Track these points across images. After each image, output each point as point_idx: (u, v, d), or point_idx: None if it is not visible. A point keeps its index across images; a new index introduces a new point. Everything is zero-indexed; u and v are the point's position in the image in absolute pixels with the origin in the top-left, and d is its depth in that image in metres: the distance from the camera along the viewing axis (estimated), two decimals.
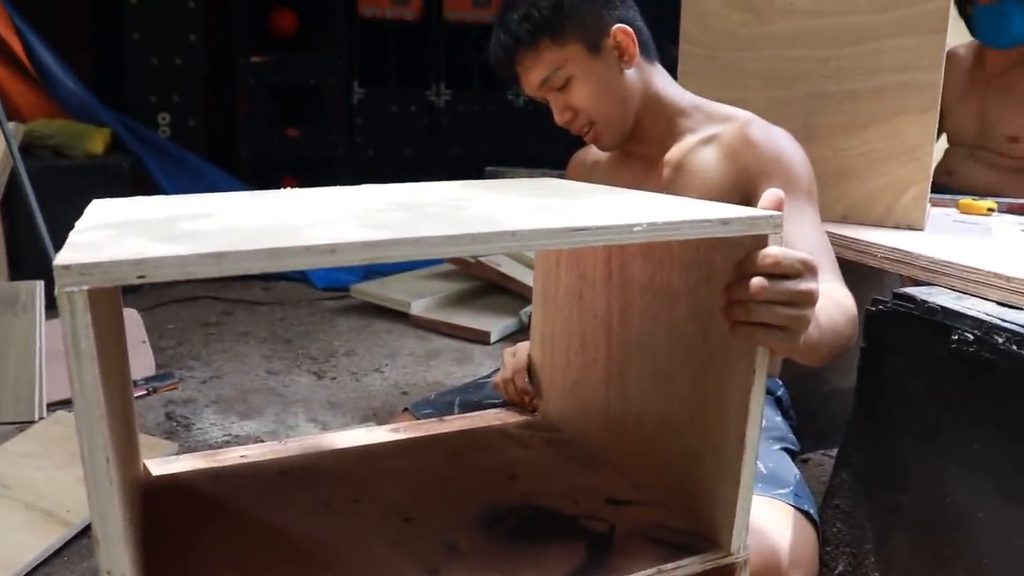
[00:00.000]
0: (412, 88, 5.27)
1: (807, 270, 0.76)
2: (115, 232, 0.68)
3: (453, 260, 3.76)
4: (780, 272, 0.74)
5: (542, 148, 5.46)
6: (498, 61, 1.29)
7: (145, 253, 0.58)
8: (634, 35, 1.27)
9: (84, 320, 0.57)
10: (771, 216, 0.76)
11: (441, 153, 5.36)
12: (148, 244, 0.62)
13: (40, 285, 2.55)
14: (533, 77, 1.26)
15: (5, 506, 1.80)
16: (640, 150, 1.33)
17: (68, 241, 0.65)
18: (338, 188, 1.01)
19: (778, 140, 1.25)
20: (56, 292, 0.56)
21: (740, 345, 0.80)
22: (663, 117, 1.30)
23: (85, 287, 0.57)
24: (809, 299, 0.76)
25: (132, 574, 0.63)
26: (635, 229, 0.67)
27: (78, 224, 0.75)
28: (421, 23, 5.19)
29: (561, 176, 1.47)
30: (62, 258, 0.57)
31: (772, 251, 0.74)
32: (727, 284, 0.76)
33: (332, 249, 0.59)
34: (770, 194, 0.77)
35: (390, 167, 5.10)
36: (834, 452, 2.09)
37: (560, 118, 1.27)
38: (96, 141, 3.72)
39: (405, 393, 2.73)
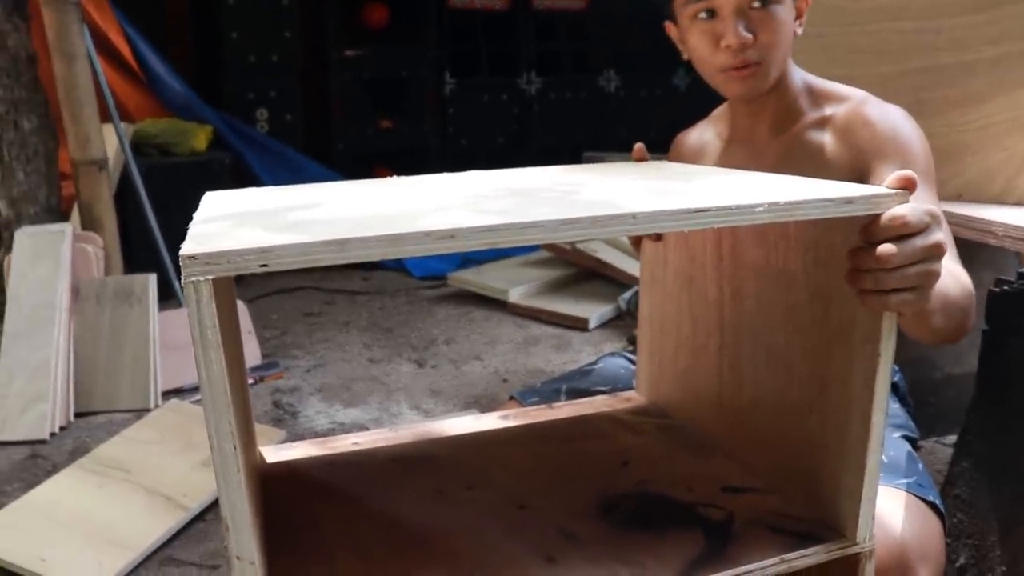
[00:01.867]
0: (503, 77, 5.28)
1: (934, 220, 0.74)
2: (233, 223, 0.69)
3: (549, 247, 3.76)
4: (910, 231, 0.72)
5: (633, 133, 5.39)
6: None
7: (268, 242, 0.58)
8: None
9: (210, 309, 0.58)
10: (895, 194, 0.72)
11: (533, 141, 5.36)
12: (268, 234, 0.62)
13: (152, 278, 2.65)
14: None
15: (128, 490, 1.87)
16: (752, 129, 1.29)
17: (189, 233, 0.66)
18: (440, 176, 1.01)
19: (895, 119, 1.19)
20: (183, 281, 0.58)
21: (865, 325, 0.77)
22: (786, 95, 1.25)
23: (210, 276, 0.57)
24: (939, 251, 0.74)
25: (260, 559, 0.64)
26: (757, 209, 0.65)
27: (196, 216, 0.77)
28: (510, 12, 5.19)
29: (663, 159, 1.44)
30: (187, 248, 0.58)
31: (899, 210, 0.71)
32: (851, 250, 0.73)
33: (452, 235, 0.58)
34: (900, 175, 0.74)
35: (483, 156, 5.12)
36: (948, 440, 2.01)
37: (738, 37, 1.16)
38: (199, 138, 3.84)
39: (505, 380, 2.74)
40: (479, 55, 5.22)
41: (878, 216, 0.72)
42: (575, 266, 3.67)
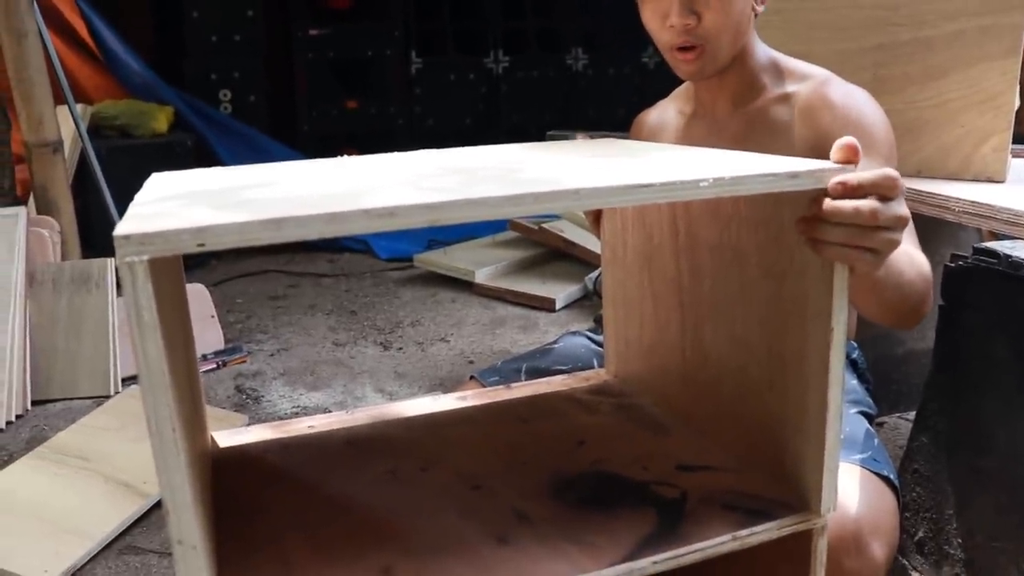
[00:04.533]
0: (470, 56, 5.25)
1: (902, 192, 0.75)
2: (174, 203, 0.68)
3: (516, 227, 3.75)
4: (893, 195, 0.73)
5: (602, 112, 5.40)
6: None
7: (204, 221, 0.57)
8: None
9: (146, 290, 0.57)
10: (842, 169, 0.72)
11: (501, 120, 5.34)
12: (206, 213, 0.61)
13: (111, 262, 2.61)
14: None
15: (85, 478, 1.85)
16: (713, 104, 1.28)
17: (128, 213, 0.65)
18: (395, 154, 1.00)
19: (857, 101, 1.19)
20: (117, 262, 0.56)
21: (818, 301, 0.77)
22: (747, 71, 1.24)
23: (145, 257, 0.56)
24: (903, 223, 0.74)
25: (202, 543, 0.63)
26: (701, 184, 0.64)
27: (137, 197, 0.75)
28: None
29: (623, 138, 1.43)
30: (122, 228, 0.56)
31: (879, 175, 0.72)
32: (815, 198, 0.73)
33: (391, 212, 0.57)
34: (842, 142, 0.73)
35: (450, 136, 5.09)
36: (910, 415, 2.03)
37: (680, 18, 1.15)
38: (160, 120, 3.79)
39: (471, 362, 2.73)
40: (445, 33, 5.18)
41: (850, 176, 0.72)
42: (542, 246, 3.66)
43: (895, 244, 0.75)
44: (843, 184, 0.71)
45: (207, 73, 4.35)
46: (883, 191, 0.72)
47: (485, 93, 5.29)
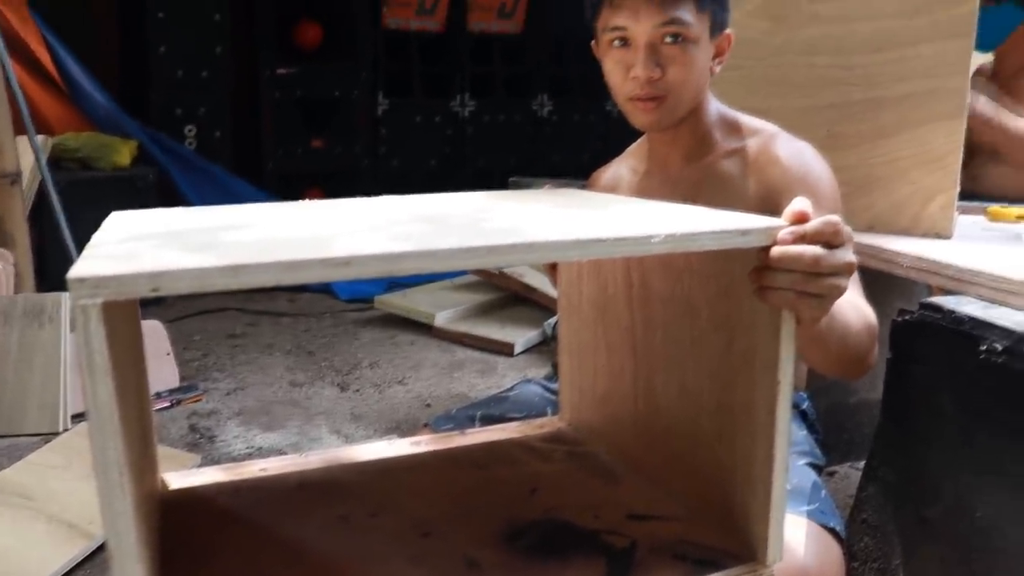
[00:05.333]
0: (437, 99, 5.29)
1: (849, 240, 0.78)
2: (131, 245, 0.68)
3: (477, 271, 3.76)
4: (837, 242, 0.76)
5: (566, 158, 5.46)
6: None
7: (160, 266, 0.57)
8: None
9: (99, 333, 0.57)
10: (790, 227, 0.75)
11: (466, 163, 5.37)
12: (163, 256, 0.61)
13: (66, 297, 2.57)
14: (665, 13, 1.17)
15: (28, 518, 1.81)
16: (667, 158, 1.31)
17: (84, 254, 0.65)
18: (362, 200, 1.00)
19: (804, 156, 1.23)
20: (71, 304, 0.56)
21: (766, 354, 0.78)
22: (700, 127, 1.28)
23: (99, 300, 0.56)
24: (849, 269, 0.77)
25: None
26: (653, 240, 0.66)
27: (95, 237, 0.75)
28: (446, 34, 5.21)
29: (584, 187, 1.45)
30: (76, 271, 0.57)
31: (821, 222, 0.75)
32: (764, 249, 0.75)
33: (347, 262, 0.58)
34: (796, 204, 0.76)
35: (415, 178, 5.11)
36: (861, 465, 2.06)
37: (646, 70, 1.18)
38: (123, 153, 3.76)
39: (428, 405, 2.73)
40: (413, 76, 5.22)
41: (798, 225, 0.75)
42: (502, 291, 3.67)
43: (840, 290, 0.77)
44: (789, 233, 0.74)
45: (172, 108, 4.34)
46: (827, 237, 0.75)
47: (451, 136, 5.33)
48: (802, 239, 0.74)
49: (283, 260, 0.58)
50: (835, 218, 0.76)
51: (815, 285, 0.74)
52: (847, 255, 0.77)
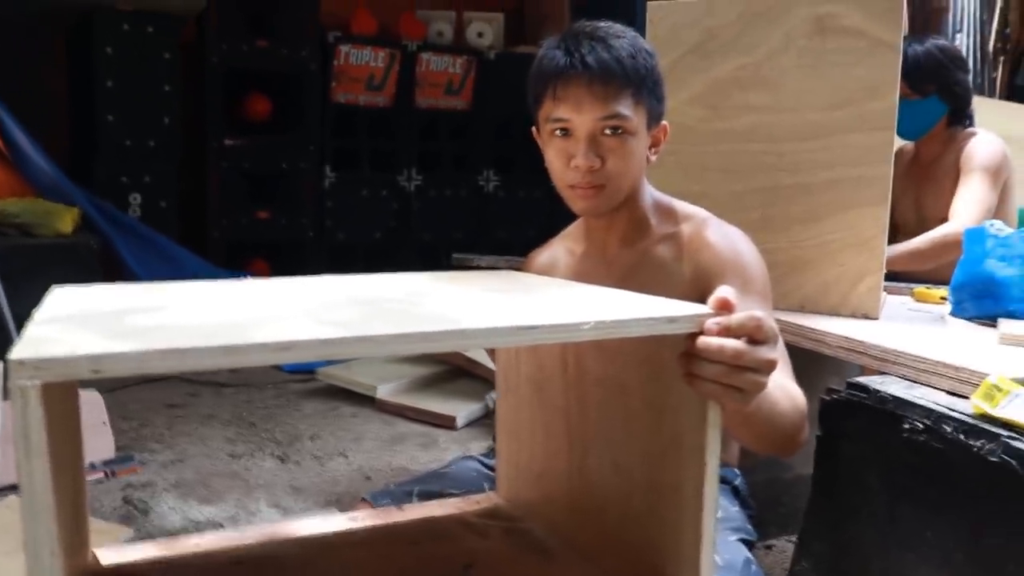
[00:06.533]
0: (384, 173, 5.34)
1: (772, 338, 0.80)
2: (73, 325, 0.69)
3: None
4: (760, 337, 0.78)
5: (512, 233, 5.52)
6: (575, 66, 1.21)
7: (102, 348, 0.59)
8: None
9: (37, 414, 0.58)
10: (716, 313, 0.78)
11: (412, 237, 5.41)
12: (104, 339, 0.63)
13: (1, 364, 2.52)
14: (606, 107, 1.21)
15: None
16: (604, 241, 1.36)
17: (24, 334, 0.66)
18: (297, 279, 1.03)
19: (734, 241, 1.29)
20: (9, 385, 0.57)
21: (694, 435, 0.81)
22: (636, 212, 1.33)
23: (39, 382, 0.57)
24: (770, 367, 0.80)
25: None
26: (583, 327, 0.69)
27: (36, 315, 0.76)
28: (393, 109, 5.28)
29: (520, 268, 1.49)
30: (17, 352, 0.58)
31: (744, 316, 0.78)
32: (691, 335, 0.78)
33: (288, 347, 0.60)
34: (721, 291, 0.79)
35: (360, 251, 5.13)
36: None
37: (587, 161, 1.22)
38: (65, 220, 3.72)
39: (369, 478, 2.70)
40: (361, 150, 5.27)
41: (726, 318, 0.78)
42: (445, 364, 3.68)
43: (760, 386, 0.80)
44: (715, 323, 0.77)
45: (118, 176, 4.32)
46: (748, 332, 0.78)
47: (397, 210, 5.37)
48: (727, 331, 0.77)
49: (224, 344, 0.59)
50: (759, 314, 0.79)
51: (737, 379, 0.77)
52: (769, 352, 0.79)
